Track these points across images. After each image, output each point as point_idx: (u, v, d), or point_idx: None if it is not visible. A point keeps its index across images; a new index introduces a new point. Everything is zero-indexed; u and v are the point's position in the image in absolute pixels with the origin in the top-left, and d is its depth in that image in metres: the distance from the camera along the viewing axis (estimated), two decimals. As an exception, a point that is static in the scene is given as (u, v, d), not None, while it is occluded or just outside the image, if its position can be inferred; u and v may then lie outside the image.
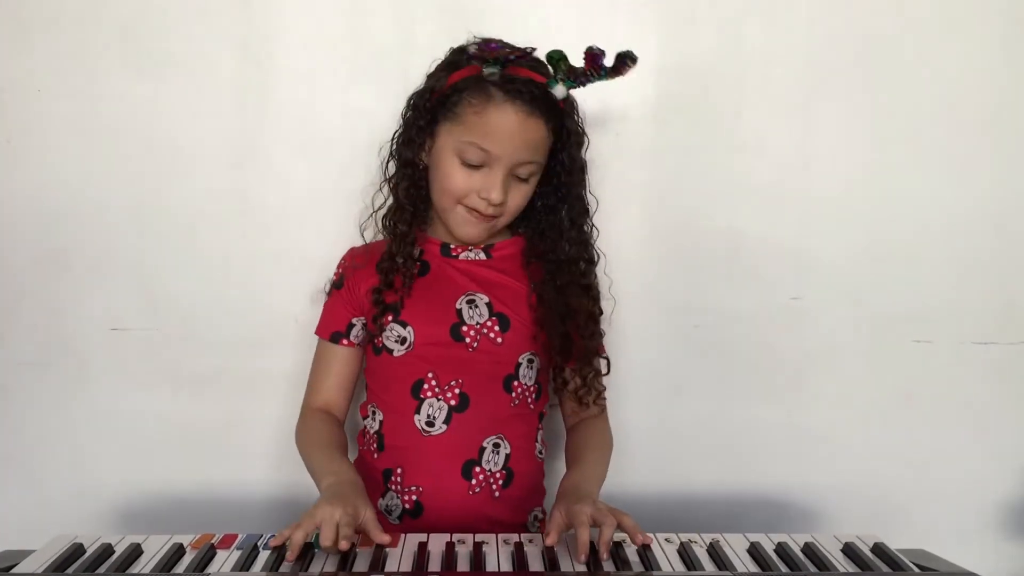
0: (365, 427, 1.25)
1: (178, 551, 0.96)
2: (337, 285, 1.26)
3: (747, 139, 1.40)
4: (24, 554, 0.96)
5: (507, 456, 1.18)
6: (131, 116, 1.34)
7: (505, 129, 1.09)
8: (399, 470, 1.17)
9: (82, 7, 1.32)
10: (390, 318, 1.19)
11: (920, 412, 1.46)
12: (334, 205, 1.37)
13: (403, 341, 1.18)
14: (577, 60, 1.07)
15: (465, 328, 1.18)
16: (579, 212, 1.21)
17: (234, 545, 0.99)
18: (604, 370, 1.26)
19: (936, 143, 1.40)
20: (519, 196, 1.16)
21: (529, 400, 1.22)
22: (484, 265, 1.23)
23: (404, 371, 1.19)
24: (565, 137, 1.16)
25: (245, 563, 0.94)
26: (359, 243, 1.31)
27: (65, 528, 1.02)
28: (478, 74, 1.10)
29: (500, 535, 1.02)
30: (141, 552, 0.96)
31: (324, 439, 1.18)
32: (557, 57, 1.08)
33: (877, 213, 1.42)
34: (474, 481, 1.16)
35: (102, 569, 0.92)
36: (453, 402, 1.17)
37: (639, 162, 1.39)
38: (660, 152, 1.39)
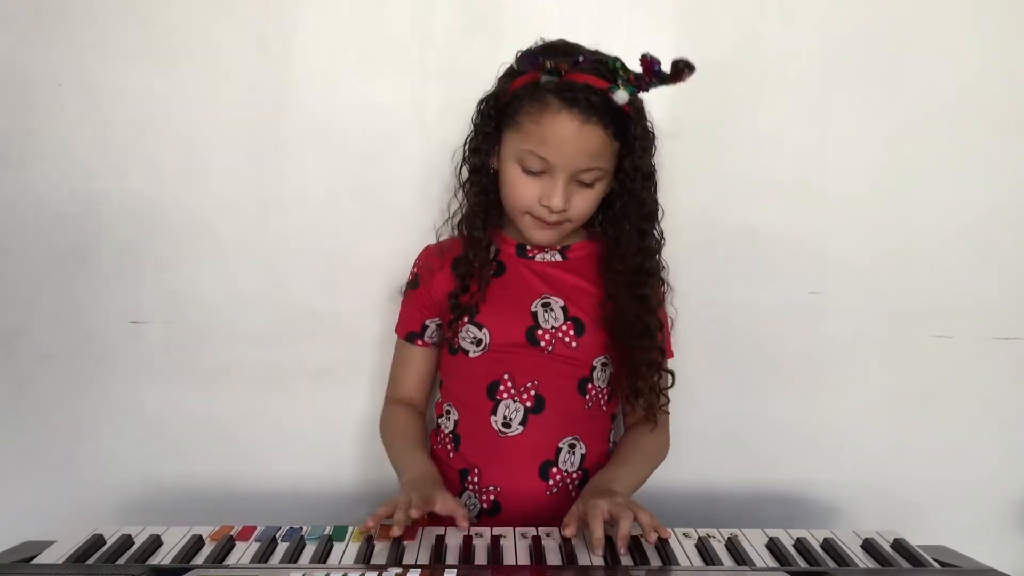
0: (439, 425, 1.26)
1: (197, 543, 0.97)
2: (413, 285, 1.27)
3: (765, 135, 1.38)
4: (45, 545, 0.97)
5: (583, 456, 1.20)
6: (150, 110, 1.35)
7: (562, 137, 1.06)
8: (476, 470, 1.19)
9: (102, 2, 1.32)
10: (466, 319, 1.19)
11: (940, 408, 1.45)
12: (352, 199, 1.37)
13: (479, 343, 1.19)
14: (635, 66, 1.05)
15: (540, 332, 1.18)
16: (642, 219, 1.17)
17: (252, 537, 0.99)
18: (667, 383, 1.22)
19: (956, 137, 1.39)
20: (584, 202, 1.13)
21: (602, 402, 1.23)
22: (560, 267, 1.22)
23: (480, 372, 1.19)
24: (631, 142, 1.12)
25: (263, 555, 0.94)
26: (378, 237, 1.31)
27: (85, 519, 1.03)
28: (536, 81, 1.08)
29: (518, 528, 1.02)
30: (160, 543, 0.97)
31: (402, 432, 1.23)
32: (615, 65, 1.06)
33: (896, 208, 1.41)
34: (551, 482, 1.17)
35: (122, 560, 0.93)
36: (529, 404, 1.17)
37: (657, 156, 1.38)
38: (677, 148, 1.38)
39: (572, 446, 1.19)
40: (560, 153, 1.07)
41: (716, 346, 1.44)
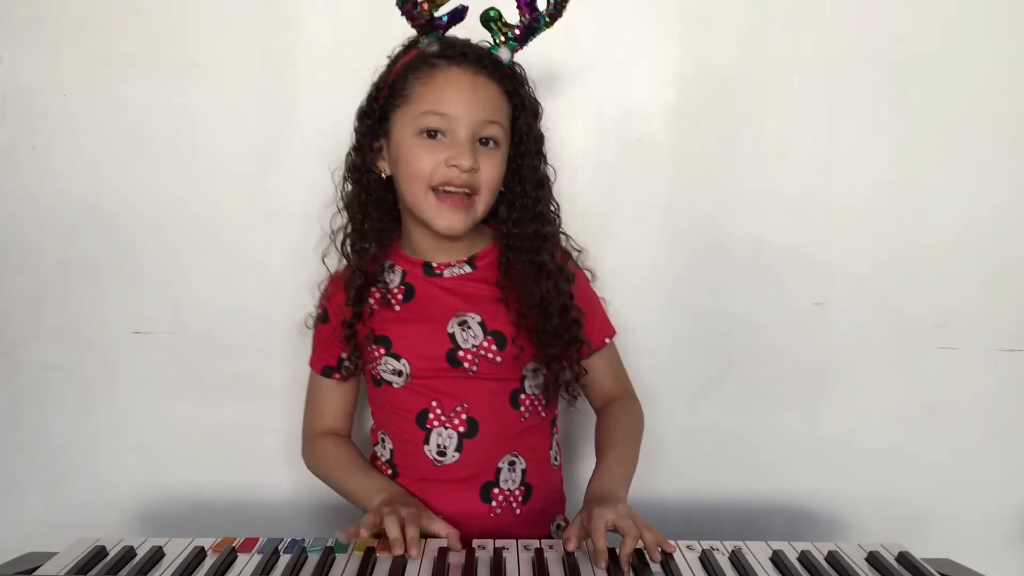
0: (375, 452, 1.22)
1: (199, 554, 0.97)
2: (323, 319, 1.22)
3: (770, 145, 1.39)
4: (47, 556, 0.97)
5: (523, 472, 1.16)
6: (155, 122, 1.36)
7: (457, 88, 1.05)
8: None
9: (108, 14, 1.33)
10: (382, 351, 1.13)
11: (945, 420, 1.45)
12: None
13: (399, 373, 1.14)
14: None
15: (461, 353, 1.12)
16: (536, 184, 1.13)
17: (255, 549, 0.99)
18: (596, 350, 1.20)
19: (961, 148, 1.39)
20: (490, 166, 1.08)
21: (539, 408, 1.18)
22: (470, 279, 1.16)
23: (407, 403, 1.15)
24: (520, 105, 1.11)
25: (266, 567, 0.94)
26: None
27: (88, 530, 1.03)
28: (418, 53, 1.08)
29: (521, 541, 1.01)
30: (163, 555, 0.97)
31: (347, 461, 1.19)
32: (492, 16, 1.07)
33: (901, 219, 1.41)
34: (494, 503, 1.14)
35: (124, 572, 0.93)
36: (462, 429, 1.13)
37: (661, 168, 1.39)
38: (682, 158, 1.39)
39: (512, 463, 1.14)
40: (459, 105, 1.05)
41: (720, 357, 1.44)
